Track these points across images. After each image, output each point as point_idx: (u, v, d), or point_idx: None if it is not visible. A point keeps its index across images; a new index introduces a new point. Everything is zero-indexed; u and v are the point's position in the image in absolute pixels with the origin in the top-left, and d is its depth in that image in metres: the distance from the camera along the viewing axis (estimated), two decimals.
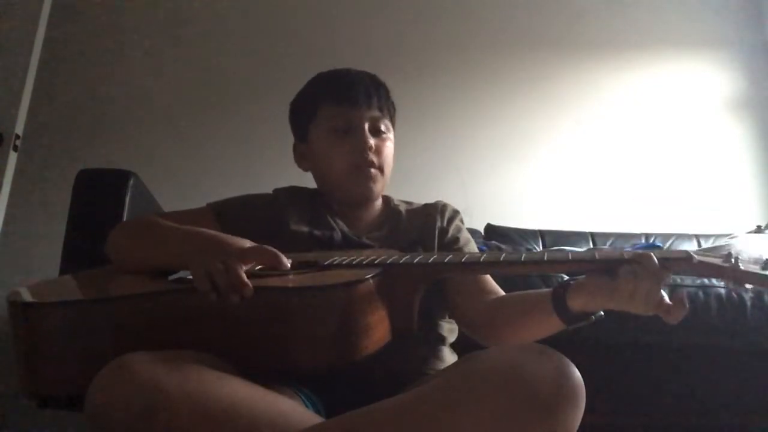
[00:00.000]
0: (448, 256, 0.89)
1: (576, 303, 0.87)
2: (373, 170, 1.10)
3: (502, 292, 1.06)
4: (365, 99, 1.11)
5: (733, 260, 0.75)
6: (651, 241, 2.31)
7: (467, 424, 0.62)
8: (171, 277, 0.90)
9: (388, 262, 0.86)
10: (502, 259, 0.89)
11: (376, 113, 1.12)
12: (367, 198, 1.13)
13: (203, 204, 1.12)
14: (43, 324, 0.80)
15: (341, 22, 2.77)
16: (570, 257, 0.86)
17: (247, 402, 0.68)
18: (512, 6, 2.87)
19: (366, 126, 1.10)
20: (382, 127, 1.13)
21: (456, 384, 0.66)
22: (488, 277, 1.08)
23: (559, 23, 2.86)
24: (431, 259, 0.87)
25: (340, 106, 1.10)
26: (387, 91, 1.16)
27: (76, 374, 0.78)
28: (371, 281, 0.80)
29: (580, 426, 0.67)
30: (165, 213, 1.19)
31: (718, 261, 0.77)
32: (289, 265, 0.87)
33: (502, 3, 2.88)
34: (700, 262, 0.78)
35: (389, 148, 1.14)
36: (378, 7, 2.81)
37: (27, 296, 0.83)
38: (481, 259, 0.88)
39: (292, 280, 0.84)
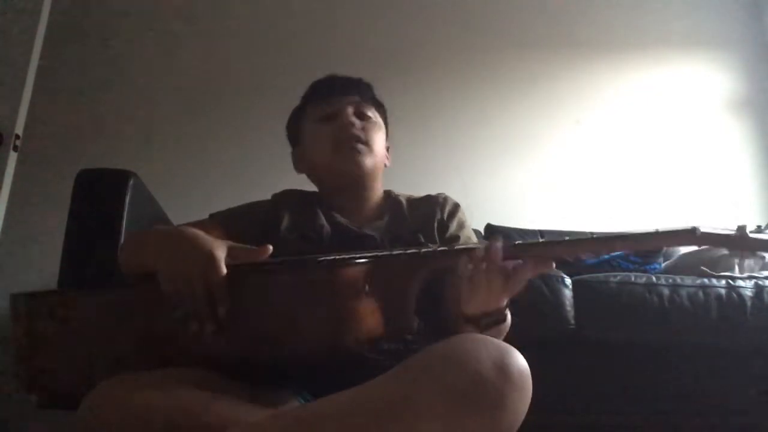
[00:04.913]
0: (438, 246, 0.88)
1: (468, 309, 0.86)
2: (359, 144, 1.10)
3: None
4: (344, 88, 1.16)
5: (741, 231, 0.75)
6: None
7: (419, 413, 0.63)
8: None
9: (380, 255, 0.86)
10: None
11: (357, 99, 1.15)
12: (358, 174, 1.11)
13: (202, 204, 1.12)
14: (41, 312, 0.84)
15: (341, 24, 2.77)
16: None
17: (233, 420, 0.69)
18: (512, 6, 2.87)
19: (349, 109, 1.13)
20: (369, 113, 1.15)
21: (402, 376, 0.68)
22: None
23: (559, 23, 2.87)
24: (422, 251, 0.86)
25: (322, 99, 1.15)
26: (371, 88, 1.20)
27: (73, 366, 0.81)
28: (356, 268, 0.81)
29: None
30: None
31: (725, 232, 0.77)
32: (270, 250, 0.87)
33: (502, 3, 2.88)
34: (703, 234, 0.78)
35: (377, 131, 1.15)
36: (378, 8, 2.81)
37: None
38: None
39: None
